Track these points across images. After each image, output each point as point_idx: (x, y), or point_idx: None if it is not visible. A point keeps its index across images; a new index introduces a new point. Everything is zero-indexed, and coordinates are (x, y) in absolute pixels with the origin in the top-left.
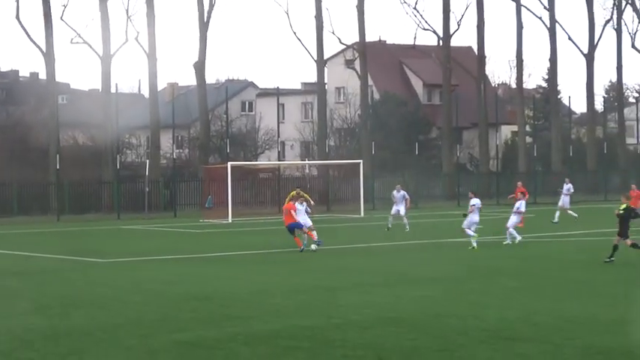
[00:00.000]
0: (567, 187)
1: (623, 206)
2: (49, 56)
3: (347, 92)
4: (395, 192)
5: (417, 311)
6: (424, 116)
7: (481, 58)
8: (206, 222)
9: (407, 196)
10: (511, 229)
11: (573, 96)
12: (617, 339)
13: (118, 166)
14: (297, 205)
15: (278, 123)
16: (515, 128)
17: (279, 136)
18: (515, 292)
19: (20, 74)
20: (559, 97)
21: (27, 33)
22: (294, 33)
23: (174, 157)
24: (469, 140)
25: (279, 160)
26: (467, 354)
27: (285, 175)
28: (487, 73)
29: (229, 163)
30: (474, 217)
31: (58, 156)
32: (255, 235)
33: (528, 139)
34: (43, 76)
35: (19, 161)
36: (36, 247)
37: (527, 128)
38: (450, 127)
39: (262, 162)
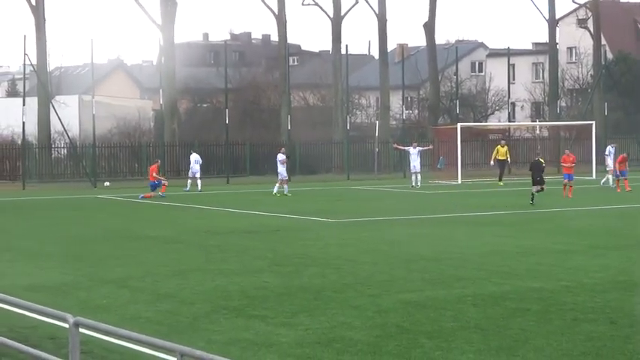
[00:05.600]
0: None
1: None
2: (280, 18)
3: (579, 52)
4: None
5: None
6: None
7: None
8: (435, 183)
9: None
10: None
11: None
12: None
13: (348, 127)
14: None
15: (508, 83)
16: None
17: (509, 97)
18: None
19: (253, 36)
20: None
21: None
22: None
23: (404, 117)
24: None
25: (509, 121)
26: None
27: (515, 136)
28: None
29: (459, 124)
30: None
31: (289, 117)
32: (484, 197)
33: None
34: (274, 38)
35: (252, 122)
36: (268, 206)
37: None
38: None
39: (492, 123)
